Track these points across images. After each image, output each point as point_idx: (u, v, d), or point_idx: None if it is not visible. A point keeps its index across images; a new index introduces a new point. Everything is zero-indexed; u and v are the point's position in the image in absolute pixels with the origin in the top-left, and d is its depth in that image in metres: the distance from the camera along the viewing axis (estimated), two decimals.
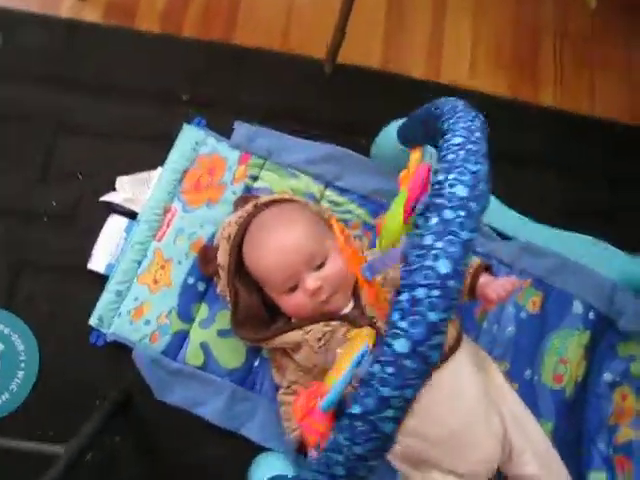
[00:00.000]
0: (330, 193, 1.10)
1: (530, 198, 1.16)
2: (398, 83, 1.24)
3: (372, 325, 0.83)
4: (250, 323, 0.93)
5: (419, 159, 0.79)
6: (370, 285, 0.72)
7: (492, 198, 1.11)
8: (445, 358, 0.82)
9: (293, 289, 0.86)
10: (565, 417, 1.04)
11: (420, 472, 0.84)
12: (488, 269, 0.92)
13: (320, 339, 0.84)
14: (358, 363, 0.68)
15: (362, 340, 0.71)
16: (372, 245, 1.04)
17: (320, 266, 0.85)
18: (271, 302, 0.92)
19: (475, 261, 0.92)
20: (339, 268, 0.86)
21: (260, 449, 0.99)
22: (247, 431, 0.99)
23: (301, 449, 0.86)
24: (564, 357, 1.06)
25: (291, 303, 0.87)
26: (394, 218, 0.70)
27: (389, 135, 1.00)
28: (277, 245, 0.85)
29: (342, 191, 1.10)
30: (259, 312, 0.94)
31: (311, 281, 0.83)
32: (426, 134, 0.69)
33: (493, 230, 1.10)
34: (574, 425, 1.05)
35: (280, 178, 1.10)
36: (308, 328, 0.86)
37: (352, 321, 0.85)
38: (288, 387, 0.92)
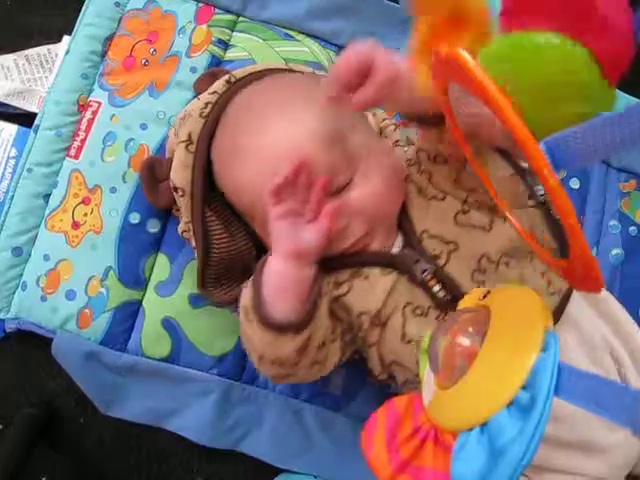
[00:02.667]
0: None
1: None
2: None
3: (434, 265, 0.60)
4: (230, 278, 0.72)
5: None
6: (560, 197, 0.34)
7: None
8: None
9: None
10: None
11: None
12: None
13: (339, 285, 0.62)
14: (551, 392, 0.34)
15: (529, 323, 0.37)
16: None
17: (344, 186, 0.61)
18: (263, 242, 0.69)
19: None
20: (377, 189, 0.61)
21: (271, 472, 0.81)
22: (250, 447, 0.79)
23: None
24: None
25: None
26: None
27: None
28: (266, 148, 0.60)
29: None
30: (246, 259, 0.71)
31: (326, 218, 0.58)
32: None
33: None
34: None
35: (265, 43, 0.83)
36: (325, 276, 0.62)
37: (405, 267, 0.61)
38: None
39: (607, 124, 0.33)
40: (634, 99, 0.90)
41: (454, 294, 0.58)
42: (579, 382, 0.34)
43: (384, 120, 0.71)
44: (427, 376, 0.45)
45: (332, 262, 0.62)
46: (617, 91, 0.46)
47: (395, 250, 0.62)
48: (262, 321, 0.54)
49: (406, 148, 0.68)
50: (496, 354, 0.37)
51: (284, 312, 0.55)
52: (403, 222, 0.63)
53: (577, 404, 0.33)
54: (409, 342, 0.60)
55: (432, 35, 0.43)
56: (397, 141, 0.69)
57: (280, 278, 0.55)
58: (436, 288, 0.59)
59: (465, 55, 0.34)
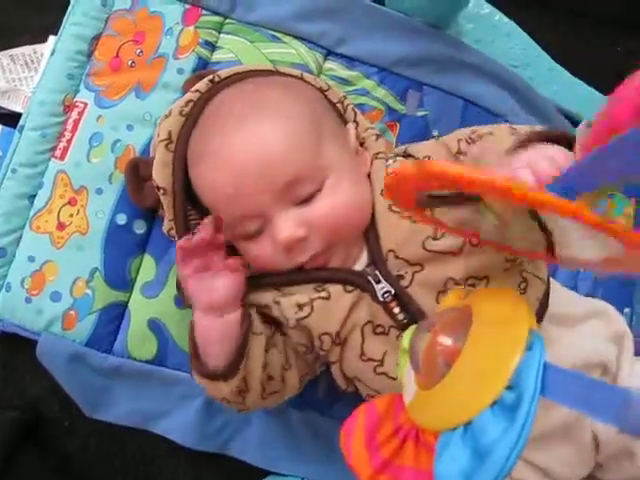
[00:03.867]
0: (333, 65, 0.82)
1: None
2: None
3: (397, 287, 0.58)
4: None
5: None
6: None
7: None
8: None
9: (258, 232, 0.60)
10: None
11: None
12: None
13: (301, 307, 0.59)
14: (537, 391, 0.33)
15: (508, 330, 0.37)
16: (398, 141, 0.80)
17: (308, 198, 0.58)
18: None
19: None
20: (345, 202, 0.58)
21: (258, 474, 0.80)
22: (237, 450, 0.78)
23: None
24: None
25: (252, 255, 0.61)
26: None
27: None
28: (230, 153, 0.58)
29: (351, 62, 0.83)
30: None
31: (285, 226, 0.57)
32: None
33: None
34: None
35: (252, 45, 0.81)
36: (287, 289, 0.61)
37: (367, 286, 0.59)
38: None
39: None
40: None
41: (414, 316, 0.56)
42: (565, 381, 0.34)
43: (367, 130, 0.68)
44: (407, 376, 0.44)
45: (293, 275, 0.61)
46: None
47: (358, 267, 0.60)
48: (196, 372, 0.58)
49: (389, 162, 0.64)
50: (479, 353, 0.37)
51: (214, 361, 0.57)
52: (371, 238, 0.60)
53: (564, 403, 0.32)
54: (368, 360, 0.58)
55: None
56: (378, 153, 0.65)
57: (205, 330, 0.58)
58: (396, 310, 0.57)
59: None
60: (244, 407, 0.62)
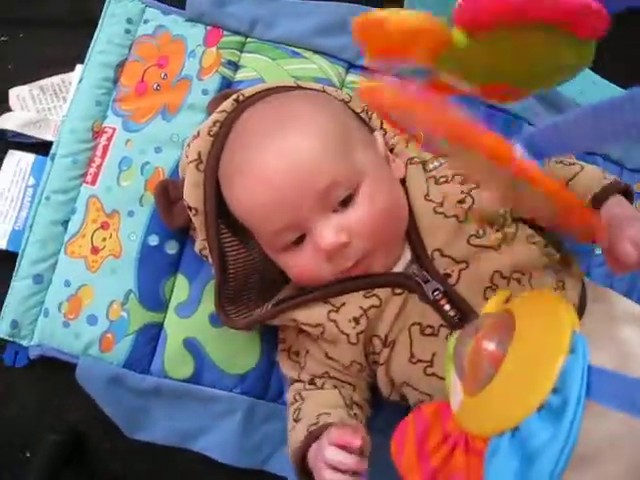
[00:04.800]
0: (354, 78, 0.82)
1: None
2: None
3: (445, 285, 0.59)
4: (247, 298, 0.70)
5: None
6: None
7: None
8: None
9: (298, 242, 0.60)
10: None
11: None
12: (627, 194, 0.63)
13: (357, 321, 0.59)
14: (583, 393, 0.33)
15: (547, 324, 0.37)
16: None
17: (345, 202, 0.58)
18: None
19: (598, 174, 0.64)
20: (381, 206, 0.59)
21: None
22: (277, 466, 0.77)
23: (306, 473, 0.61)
24: None
25: (295, 266, 0.61)
26: None
27: None
28: (263, 168, 0.58)
29: (372, 73, 0.76)
30: (262, 273, 0.69)
31: (328, 233, 0.57)
32: None
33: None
34: None
35: (274, 62, 0.81)
36: (338, 300, 0.61)
37: (416, 286, 0.59)
38: (311, 382, 0.66)
39: (588, 116, 0.33)
40: (619, 89, 0.87)
41: (464, 313, 0.57)
42: (611, 383, 0.33)
43: (395, 136, 0.69)
44: (454, 383, 0.44)
45: (340, 285, 0.61)
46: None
47: (399, 269, 0.61)
48: None
49: (435, 164, 0.65)
50: (523, 358, 0.36)
51: None
52: (414, 239, 0.61)
53: (609, 406, 0.32)
54: (418, 362, 0.58)
55: None
56: (411, 158, 0.66)
57: None
58: (447, 307, 0.58)
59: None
60: None
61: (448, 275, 0.58)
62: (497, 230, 0.59)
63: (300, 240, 0.59)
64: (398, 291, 0.59)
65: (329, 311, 0.60)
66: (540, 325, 0.38)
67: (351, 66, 0.82)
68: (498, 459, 0.35)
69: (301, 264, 0.60)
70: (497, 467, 0.35)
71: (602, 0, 0.32)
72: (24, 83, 0.82)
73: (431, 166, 0.65)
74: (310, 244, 0.58)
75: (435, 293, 0.58)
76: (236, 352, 0.75)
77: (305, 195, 0.56)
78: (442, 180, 0.63)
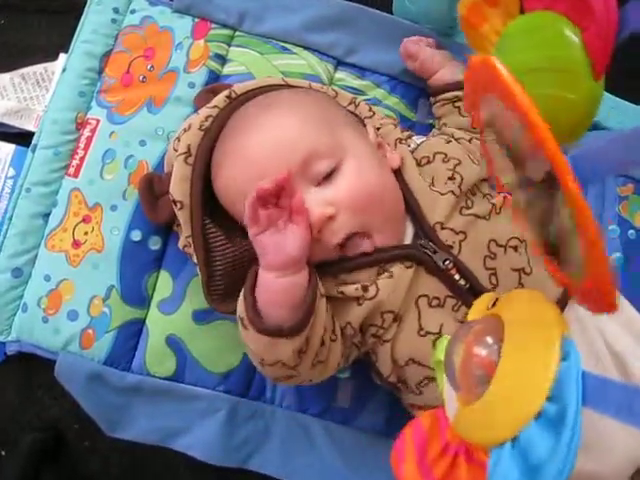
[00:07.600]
0: (343, 75, 0.83)
1: None
2: None
3: (451, 255, 0.61)
4: (237, 291, 0.65)
5: None
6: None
7: None
8: None
9: None
10: None
11: None
12: None
13: (366, 289, 0.60)
14: (579, 399, 0.32)
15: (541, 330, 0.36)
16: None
17: (330, 177, 0.59)
18: None
19: None
20: (365, 181, 0.60)
21: None
22: (259, 464, 0.76)
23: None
24: None
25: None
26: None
27: None
28: (247, 147, 0.61)
29: (361, 71, 0.84)
30: (250, 267, 0.67)
31: (312, 206, 0.57)
32: None
33: None
34: None
35: (262, 56, 0.81)
36: (349, 276, 0.62)
37: (424, 258, 0.61)
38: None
39: (619, 142, 0.32)
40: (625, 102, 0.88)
41: (471, 283, 0.59)
42: (606, 390, 0.33)
43: (383, 118, 0.71)
44: (447, 392, 0.43)
45: (353, 261, 0.62)
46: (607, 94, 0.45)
47: (406, 242, 0.63)
48: (258, 329, 0.55)
49: (412, 145, 0.68)
50: (516, 366, 0.36)
51: (278, 319, 0.55)
52: (416, 214, 0.63)
53: (606, 413, 0.31)
54: (426, 334, 0.60)
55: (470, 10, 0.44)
56: (399, 139, 0.68)
57: (271, 290, 0.56)
58: (457, 276, 0.60)
59: (498, 65, 0.33)
60: (295, 374, 0.60)
61: (450, 246, 0.61)
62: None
63: None
64: (408, 264, 0.60)
65: (338, 286, 0.61)
66: (529, 330, 0.37)
67: (340, 63, 0.82)
68: (501, 470, 0.35)
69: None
70: (501, 478, 0.35)
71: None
72: (5, 71, 0.81)
73: (410, 148, 0.68)
74: None
75: (446, 262, 0.60)
76: (219, 350, 0.75)
77: (286, 164, 0.57)
78: (424, 162, 0.66)
